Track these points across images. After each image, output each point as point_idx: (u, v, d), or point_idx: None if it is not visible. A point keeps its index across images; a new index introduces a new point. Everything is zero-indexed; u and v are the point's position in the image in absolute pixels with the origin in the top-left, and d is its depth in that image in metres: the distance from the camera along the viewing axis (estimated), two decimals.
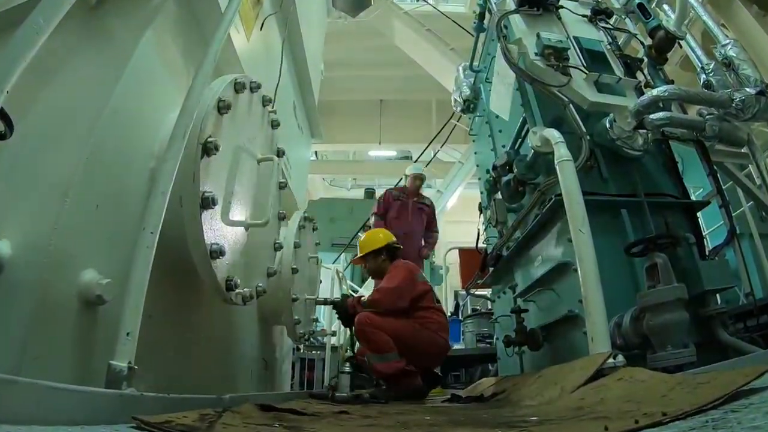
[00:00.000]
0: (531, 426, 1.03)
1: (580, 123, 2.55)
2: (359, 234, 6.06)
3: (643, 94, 2.64)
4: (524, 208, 3.10)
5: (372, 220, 5.66)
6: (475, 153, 4.81)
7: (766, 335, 2.42)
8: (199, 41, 1.77)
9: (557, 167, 2.18)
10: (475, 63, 4.67)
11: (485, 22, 4.20)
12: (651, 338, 1.89)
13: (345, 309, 3.31)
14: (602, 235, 2.23)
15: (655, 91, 2.51)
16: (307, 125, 3.82)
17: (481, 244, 4.38)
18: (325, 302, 3.65)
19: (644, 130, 2.61)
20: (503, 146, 3.60)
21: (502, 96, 3.50)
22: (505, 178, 3.21)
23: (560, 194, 2.16)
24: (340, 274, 4.97)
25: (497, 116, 3.84)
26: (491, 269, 3.84)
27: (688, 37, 3.11)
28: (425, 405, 2.66)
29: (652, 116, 2.49)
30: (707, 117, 2.56)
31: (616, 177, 2.66)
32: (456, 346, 5.80)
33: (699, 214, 2.75)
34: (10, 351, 1.01)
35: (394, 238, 3.62)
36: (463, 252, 7.64)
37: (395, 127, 12.51)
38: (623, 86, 2.69)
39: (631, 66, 2.99)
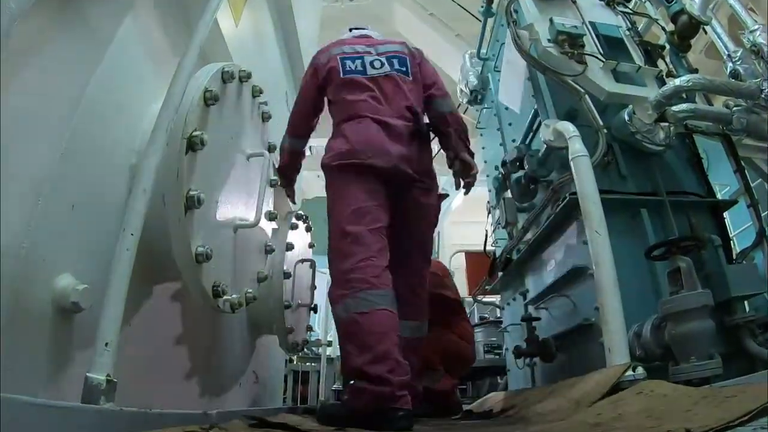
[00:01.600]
0: None
1: (597, 115, 2.55)
2: None
3: (664, 83, 2.64)
4: (536, 207, 3.10)
5: None
6: (483, 148, 4.80)
7: None
8: (184, 27, 1.77)
9: (572, 163, 2.18)
10: (483, 50, 4.67)
11: (494, 6, 4.20)
12: (673, 349, 1.89)
13: None
14: (620, 237, 2.24)
15: (677, 81, 2.51)
16: None
17: (489, 247, 4.38)
18: None
19: (666, 123, 2.61)
20: (513, 141, 3.60)
21: (511, 86, 3.50)
22: (515, 176, 3.22)
23: (575, 193, 2.16)
24: None
25: (507, 108, 3.84)
26: (500, 274, 3.84)
27: (714, 22, 3.12)
28: (430, 422, 2.66)
29: (674, 108, 2.50)
30: (734, 109, 2.56)
31: (635, 174, 2.67)
32: None
33: (725, 214, 2.76)
34: None
35: None
36: (470, 255, 7.66)
37: None
38: (643, 75, 2.70)
39: (651, 54, 3.00)
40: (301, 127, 2.62)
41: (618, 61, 2.65)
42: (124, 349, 1.14)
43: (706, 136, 2.81)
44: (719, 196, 3.01)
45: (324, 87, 2.47)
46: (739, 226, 4.14)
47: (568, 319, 2.70)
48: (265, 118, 2.17)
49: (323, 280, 4.79)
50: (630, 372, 1.59)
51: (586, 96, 2.57)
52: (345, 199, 2.20)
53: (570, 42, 2.63)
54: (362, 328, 1.90)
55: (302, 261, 3.03)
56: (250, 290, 1.98)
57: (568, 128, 2.31)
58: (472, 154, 2.56)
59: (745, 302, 2.24)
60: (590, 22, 2.83)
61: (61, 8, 1.37)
